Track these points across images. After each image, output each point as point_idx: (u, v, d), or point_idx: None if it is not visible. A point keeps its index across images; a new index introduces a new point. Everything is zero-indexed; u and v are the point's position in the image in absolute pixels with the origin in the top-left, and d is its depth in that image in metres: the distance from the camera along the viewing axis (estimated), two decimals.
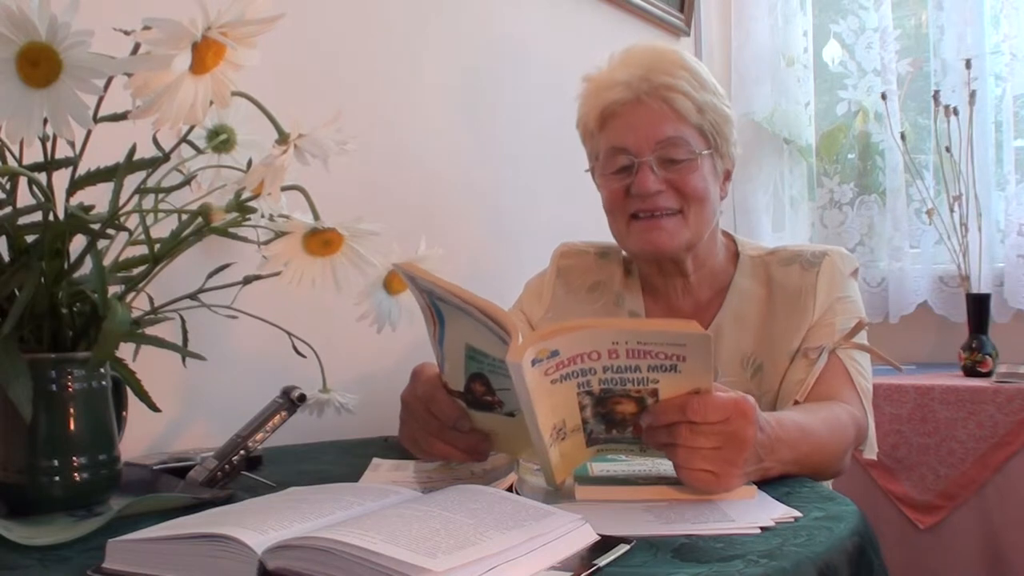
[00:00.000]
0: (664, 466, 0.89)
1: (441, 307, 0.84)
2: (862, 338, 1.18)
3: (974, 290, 2.15)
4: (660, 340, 0.77)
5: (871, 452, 1.17)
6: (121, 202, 0.80)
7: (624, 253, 1.35)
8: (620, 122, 1.18)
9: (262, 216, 0.85)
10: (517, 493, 0.79)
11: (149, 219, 0.82)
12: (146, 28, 0.65)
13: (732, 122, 1.22)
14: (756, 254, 1.27)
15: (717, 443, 0.79)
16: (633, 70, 1.17)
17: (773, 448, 0.86)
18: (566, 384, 0.80)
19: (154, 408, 0.87)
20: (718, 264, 1.26)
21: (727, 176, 1.25)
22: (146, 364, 0.89)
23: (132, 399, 0.89)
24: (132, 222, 0.83)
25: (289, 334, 1.01)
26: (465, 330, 0.83)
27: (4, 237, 0.80)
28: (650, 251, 1.20)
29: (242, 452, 0.90)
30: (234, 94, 0.72)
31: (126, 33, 0.70)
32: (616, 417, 0.84)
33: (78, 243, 0.81)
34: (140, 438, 1.11)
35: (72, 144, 0.76)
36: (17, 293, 0.77)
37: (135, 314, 0.85)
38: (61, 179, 0.80)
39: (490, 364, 0.83)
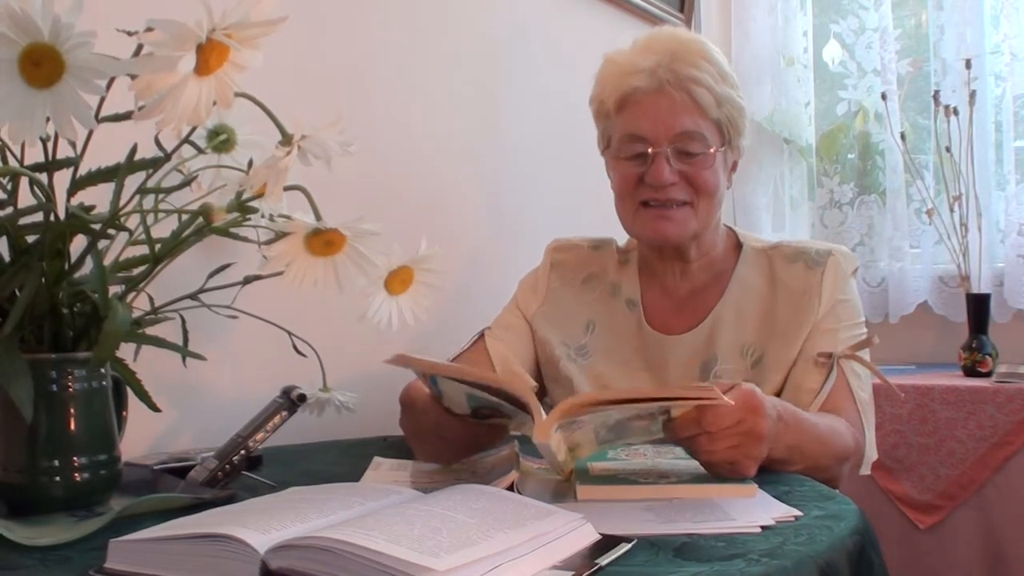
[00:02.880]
0: (664, 462, 0.91)
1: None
2: (864, 353, 1.18)
3: (974, 290, 2.15)
4: (679, 404, 0.82)
5: (866, 468, 1.18)
6: (122, 202, 0.80)
7: (618, 244, 1.36)
8: (640, 110, 1.18)
9: (263, 216, 0.85)
10: (518, 492, 0.79)
11: (150, 219, 0.83)
12: (150, 29, 0.65)
13: (745, 114, 1.23)
14: (759, 247, 1.27)
15: (735, 442, 0.83)
16: (658, 57, 1.17)
17: (780, 431, 0.89)
18: (583, 430, 0.84)
19: (154, 408, 0.87)
20: (718, 252, 1.27)
21: (734, 167, 1.26)
22: (146, 364, 0.89)
23: (132, 399, 0.89)
24: (133, 222, 0.83)
25: (289, 334, 1.01)
26: (463, 387, 0.86)
27: (5, 237, 0.80)
28: (657, 239, 1.21)
29: (242, 452, 0.90)
30: (237, 95, 0.72)
31: (129, 34, 0.70)
32: (627, 430, 0.87)
33: (79, 243, 0.81)
34: (140, 438, 1.11)
35: (73, 144, 0.76)
36: (18, 293, 0.77)
37: (135, 314, 0.85)
38: (62, 179, 0.80)
39: (494, 403, 0.85)
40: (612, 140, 1.22)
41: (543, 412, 0.79)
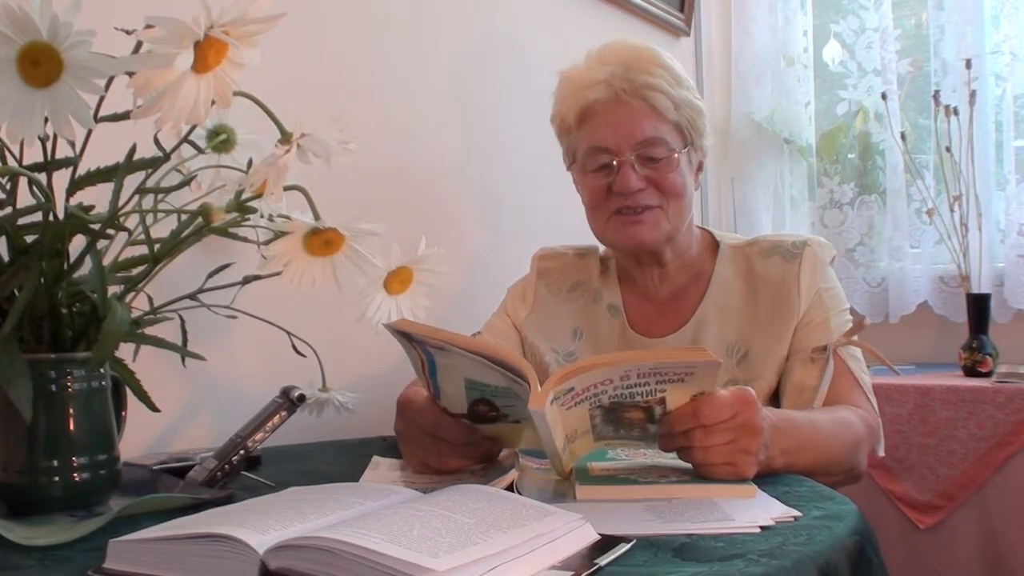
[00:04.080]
0: (664, 461, 0.91)
1: (430, 351, 0.87)
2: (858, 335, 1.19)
3: (974, 290, 2.15)
4: (672, 367, 0.81)
5: (880, 449, 1.18)
6: (121, 202, 0.80)
7: (600, 251, 1.37)
8: (600, 121, 1.19)
9: (262, 216, 0.85)
10: (518, 492, 0.79)
11: (149, 219, 0.82)
12: (148, 27, 0.65)
13: (705, 115, 1.24)
14: (735, 244, 1.28)
15: (731, 437, 0.83)
16: (612, 68, 1.18)
17: (773, 436, 0.88)
18: (579, 407, 0.84)
19: (154, 408, 0.87)
20: (694, 253, 1.28)
21: (700, 167, 1.27)
22: (146, 364, 0.89)
23: (132, 399, 0.89)
24: (132, 222, 0.83)
25: (289, 334, 1.01)
26: (461, 367, 0.86)
27: (4, 237, 0.80)
28: (632, 245, 1.22)
29: (242, 452, 0.90)
30: (235, 94, 0.72)
31: (128, 32, 0.70)
32: (624, 422, 0.86)
33: (78, 243, 0.81)
34: (140, 438, 1.11)
35: (72, 144, 0.76)
36: (17, 293, 0.77)
37: (135, 314, 0.85)
38: (61, 179, 0.80)
39: (492, 390, 0.85)
40: (577, 155, 1.24)
41: (539, 384, 0.79)
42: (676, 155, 1.18)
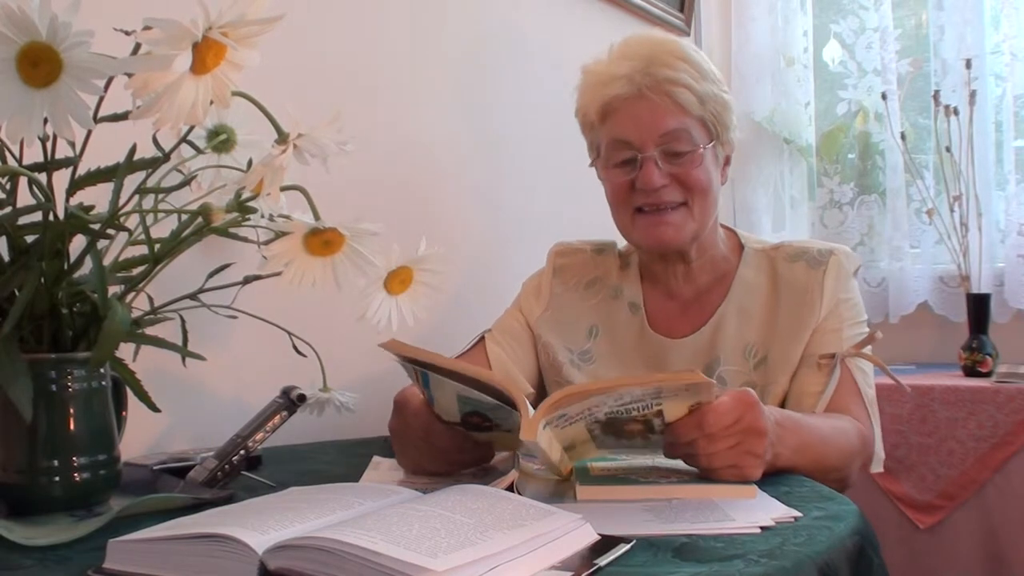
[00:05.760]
0: (664, 461, 0.90)
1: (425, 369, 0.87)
2: (868, 348, 1.18)
3: (974, 290, 2.15)
4: (666, 389, 0.80)
5: (877, 466, 1.17)
6: (121, 202, 0.80)
7: (619, 247, 1.35)
8: (622, 116, 1.17)
9: (262, 216, 0.85)
10: (517, 493, 0.79)
11: (149, 219, 0.82)
12: (147, 28, 0.65)
13: (732, 108, 1.22)
14: (760, 247, 1.27)
15: (735, 441, 0.83)
16: (634, 63, 1.16)
17: (779, 435, 0.88)
18: (575, 425, 0.83)
19: (154, 408, 0.87)
20: (718, 252, 1.26)
21: (727, 161, 1.25)
22: (146, 364, 0.89)
23: (132, 399, 0.89)
24: (132, 222, 0.83)
25: (289, 334, 1.01)
26: (451, 384, 0.86)
27: (4, 237, 0.80)
28: (658, 246, 1.21)
29: (242, 452, 0.90)
30: (234, 94, 0.72)
31: (127, 33, 0.70)
32: (624, 433, 0.86)
33: (78, 243, 0.81)
34: (140, 438, 1.11)
35: (72, 144, 0.76)
36: (17, 293, 0.77)
37: (135, 314, 0.85)
38: (61, 179, 0.80)
39: (485, 405, 0.85)
40: (600, 149, 1.22)
41: (530, 410, 0.79)
42: (700, 150, 1.16)
